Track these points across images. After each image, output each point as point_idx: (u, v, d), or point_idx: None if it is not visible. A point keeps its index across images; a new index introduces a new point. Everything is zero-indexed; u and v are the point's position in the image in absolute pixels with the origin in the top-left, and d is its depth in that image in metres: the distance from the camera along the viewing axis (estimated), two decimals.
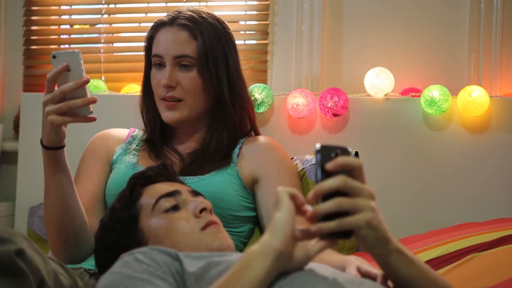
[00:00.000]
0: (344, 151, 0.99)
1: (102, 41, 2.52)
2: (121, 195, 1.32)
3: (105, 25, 2.52)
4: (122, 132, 1.80)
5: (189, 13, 1.68)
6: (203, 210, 1.26)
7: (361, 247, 1.02)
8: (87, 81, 1.41)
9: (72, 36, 2.61)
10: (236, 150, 1.69)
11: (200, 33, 1.66)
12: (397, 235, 1.03)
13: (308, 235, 0.99)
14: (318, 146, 0.99)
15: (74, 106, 1.41)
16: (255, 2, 2.38)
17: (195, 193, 1.32)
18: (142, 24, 2.50)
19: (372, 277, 1.15)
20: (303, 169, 1.83)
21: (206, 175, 1.63)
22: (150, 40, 1.71)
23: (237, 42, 1.76)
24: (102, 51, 2.51)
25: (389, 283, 1.08)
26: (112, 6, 2.52)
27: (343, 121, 2.09)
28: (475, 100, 1.96)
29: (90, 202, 1.62)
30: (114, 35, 2.56)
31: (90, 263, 1.51)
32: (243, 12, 2.40)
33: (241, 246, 1.65)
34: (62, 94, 1.41)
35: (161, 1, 2.46)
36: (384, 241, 1.00)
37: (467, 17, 2.16)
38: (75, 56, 1.41)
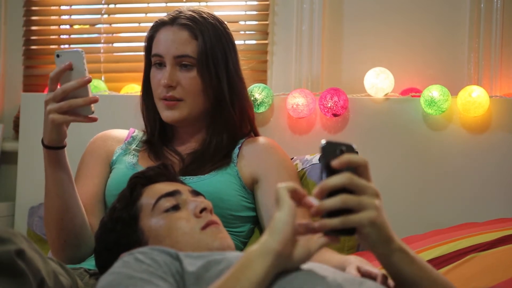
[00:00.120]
0: (349, 148, 0.99)
1: (102, 41, 2.52)
2: (121, 195, 1.32)
3: (105, 25, 2.52)
4: (121, 133, 1.80)
5: (190, 13, 1.68)
6: (203, 210, 1.26)
7: (363, 245, 1.02)
8: (89, 81, 1.42)
9: (72, 36, 2.61)
10: (236, 150, 1.69)
11: (201, 33, 1.66)
12: (397, 235, 1.03)
13: (309, 229, 1.00)
14: (323, 142, 0.98)
15: (75, 105, 1.41)
16: (255, 2, 2.38)
17: (196, 193, 1.32)
18: (142, 24, 2.50)
19: (372, 277, 1.15)
20: (303, 169, 1.83)
21: (206, 175, 1.63)
22: (150, 40, 1.71)
23: (237, 42, 1.76)
24: (102, 51, 2.50)
25: (390, 282, 1.08)
26: (112, 6, 2.52)
27: (343, 121, 2.09)
28: (475, 100, 1.96)
29: (90, 202, 1.62)
30: (114, 35, 2.56)
31: (90, 263, 1.51)
32: (243, 12, 2.40)
33: (241, 246, 1.65)
34: (64, 93, 1.41)
35: (161, 1, 2.46)
36: (387, 240, 1.00)
37: (467, 17, 2.16)
38: (79, 55, 1.42)
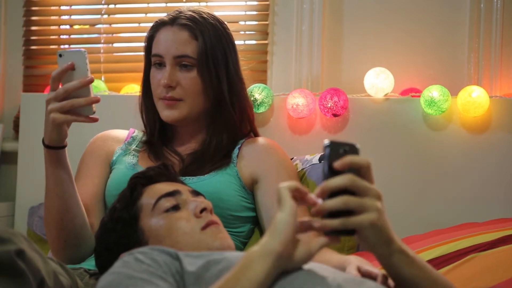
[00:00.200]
0: (353, 148, 0.99)
1: (102, 41, 2.52)
2: (121, 195, 1.32)
3: (105, 25, 2.52)
4: (121, 133, 1.80)
5: (190, 13, 1.68)
6: (203, 210, 1.26)
7: (363, 246, 1.02)
8: (91, 81, 1.42)
9: (72, 36, 2.61)
10: (236, 151, 1.69)
11: (201, 33, 1.66)
12: (397, 235, 1.03)
13: (309, 227, 1.00)
14: (326, 142, 0.98)
15: (77, 105, 1.41)
16: (255, 2, 2.37)
17: (196, 193, 1.32)
18: (142, 24, 2.50)
19: (373, 277, 1.15)
20: (303, 169, 1.83)
21: (205, 175, 1.63)
22: (150, 40, 1.71)
23: (237, 42, 1.76)
24: (102, 51, 2.50)
25: (390, 282, 1.08)
26: (112, 6, 2.51)
27: (343, 121, 2.09)
28: (475, 100, 1.96)
29: (90, 202, 1.62)
30: (114, 35, 2.56)
31: (90, 263, 1.51)
32: (243, 12, 2.40)
33: (241, 246, 1.65)
34: (66, 93, 1.41)
35: (161, 1, 2.46)
36: (387, 242, 1.00)
37: (467, 17, 2.16)
38: (81, 55, 1.42)
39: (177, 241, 1.21)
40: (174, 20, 1.67)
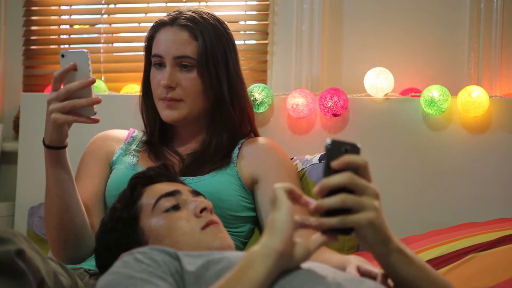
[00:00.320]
0: (354, 148, 1.00)
1: (102, 41, 2.52)
2: (122, 195, 1.32)
3: (105, 25, 2.52)
4: (121, 133, 1.80)
5: (190, 13, 1.68)
6: (203, 209, 1.26)
7: (361, 246, 1.02)
8: (93, 81, 1.42)
9: (72, 36, 2.61)
10: (236, 151, 1.69)
11: (201, 33, 1.66)
12: (397, 235, 1.03)
13: (306, 225, 1.00)
14: (328, 140, 0.99)
15: (78, 105, 1.42)
16: (255, 2, 2.37)
17: (196, 193, 1.32)
18: (142, 24, 2.50)
19: (372, 277, 1.16)
20: (303, 169, 1.83)
21: (205, 175, 1.63)
22: (150, 40, 1.71)
23: (237, 42, 1.76)
24: (102, 51, 2.50)
25: (389, 282, 1.08)
26: (112, 6, 2.52)
27: (343, 121, 2.09)
28: (475, 100, 1.96)
29: (90, 202, 1.62)
30: (114, 35, 2.56)
31: (90, 263, 1.52)
32: (243, 12, 2.40)
33: (241, 246, 1.65)
34: (68, 93, 1.41)
35: (161, 1, 2.46)
36: (384, 241, 1.00)
37: (467, 17, 2.16)
38: (83, 55, 1.42)
39: (177, 241, 1.22)
40: (174, 21, 1.67)
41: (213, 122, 1.71)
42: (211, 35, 1.67)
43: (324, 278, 0.99)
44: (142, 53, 1.75)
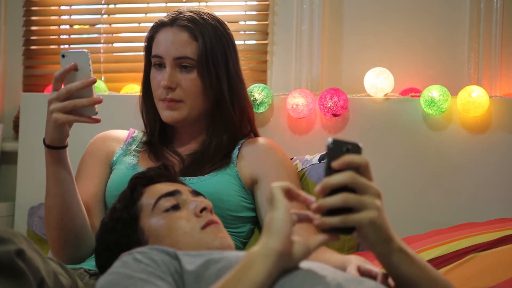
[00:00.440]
0: (355, 147, 1.00)
1: (102, 41, 2.52)
2: (122, 195, 1.32)
3: (105, 25, 2.52)
4: (122, 133, 1.80)
5: (190, 13, 1.68)
6: (203, 209, 1.26)
7: (363, 245, 1.02)
8: (94, 81, 1.42)
9: (72, 36, 2.61)
10: (236, 151, 1.69)
11: (201, 34, 1.65)
12: (397, 235, 1.03)
13: (304, 219, 1.00)
14: (330, 140, 0.99)
15: (79, 105, 1.42)
16: (255, 2, 2.37)
17: (196, 193, 1.33)
18: (142, 24, 2.50)
19: (373, 276, 1.15)
20: (302, 169, 1.83)
21: (205, 175, 1.63)
22: (150, 41, 1.71)
23: (237, 42, 1.76)
24: (102, 51, 2.50)
25: (390, 281, 1.08)
26: (112, 6, 2.52)
27: (343, 121, 2.09)
28: (475, 100, 1.96)
29: (90, 202, 1.62)
30: (114, 35, 2.56)
31: (90, 263, 1.52)
32: (243, 12, 2.40)
33: (241, 246, 1.65)
34: (68, 93, 1.41)
35: (161, 1, 2.46)
36: (386, 240, 1.00)
37: (467, 17, 2.16)
38: (84, 56, 1.43)
39: (177, 240, 1.22)
40: (174, 21, 1.67)
41: (213, 122, 1.71)
42: (211, 36, 1.67)
43: (324, 278, 0.99)
44: (142, 53, 1.75)
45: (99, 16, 2.52)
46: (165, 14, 1.73)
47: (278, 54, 2.34)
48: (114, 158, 1.72)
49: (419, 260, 1.04)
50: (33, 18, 2.56)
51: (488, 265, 1.47)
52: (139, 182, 1.32)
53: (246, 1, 2.40)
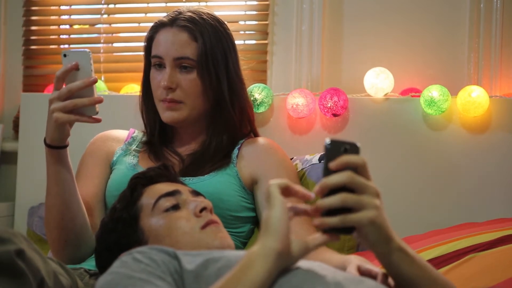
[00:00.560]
0: (353, 147, 1.00)
1: (102, 41, 2.52)
2: (122, 195, 1.32)
3: (104, 25, 2.52)
4: (122, 133, 1.80)
5: (189, 14, 1.68)
6: (203, 209, 1.26)
7: (363, 245, 1.02)
8: (95, 81, 1.42)
9: (72, 36, 2.61)
10: (235, 151, 1.69)
11: (201, 34, 1.65)
12: (397, 235, 1.03)
13: (299, 212, 1.00)
14: (328, 140, 0.99)
15: (80, 105, 1.42)
16: (255, 2, 2.37)
17: (196, 193, 1.33)
18: (142, 24, 2.50)
19: (373, 276, 1.15)
20: (302, 169, 1.83)
21: (205, 175, 1.63)
22: (150, 41, 1.71)
23: (237, 42, 1.76)
24: (101, 51, 2.50)
25: (390, 281, 1.08)
26: (112, 6, 2.52)
27: (343, 121, 2.09)
28: (474, 100, 1.96)
29: (90, 202, 1.62)
30: (114, 35, 2.56)
31: (90, 264, 1.51)
32: (243, 12, 2.40)
33: (241, 246, 1.65)
34: (69, 93, 1.42)
35: (161, 1, 2.46)
36: (386, 239, 1.00)
37: (467, 17, 2.16)
38: (85, 55, 1.43)
39: (177, 240, 1.22)
40: (173, 21, 1.67)
41: (213, 122, 1.71)
42: (210, 36, 1.66)
43: (324, 278, 0.99)
44: (142, 53, 1.75)
45: (99, 16, 2.52)
46: (165, 14, 1.73)
47: (278, 54, 2.34)
48: (114, 158, 1.72)
49: (419, 259, 1.04)
50: (33, 18, 2.56)
51: (488, 265, 1.47)
52: (139, 182, 1.32)
53: (246, 1, 2.40)
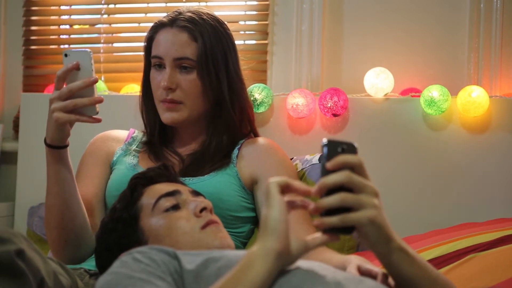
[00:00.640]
0: (351, 147, 0.99)
1: (102, 41, 2.52)
2: (122, 196, 1.32)
3: (104, 25, 2.52)
4: (122, 133, 1.80)
5: (189, 14, 1.68)
6: (203, 209, 1.26)
7: (363, 244, 1.02)
8: (96, 81, 1.42)
9: (72, 36, 2.61)
10: (235, 151, 1.69)
11: (200, 35, 1.65)
12: (397, 234, 1.03)
13: (297, 205, 1.00)
14: (324, 140, 0.99)
15: (80, 105, 1.42)
16: (255, 2, 2.37)
17: (196, 193, 1.33)
18: (142, 24, 2.50)
19: (373, 276, 1.15)
20: (302, 169, 1.83)
21: (205, 175, 1.63)
22: (149, 41, 1.71)
23: (237, 42, 1.76)
24: (102, 51, 2.50)
25: (390, 281, 1.08)
26: (112, 6, 2.52)
27: (343, 121, 2.09)
28: (474, 100, 1.96)
29: (90, 202, 1.62)
30: (114, 35, 2.56)
31: (90, 264, 1.52)
32: (243, 12, 2.40)
33: (241, 246, 1.65)
34: (70, 92, 1.42)
35: (161, 1, 2.46)
36: (386, 239, 1.00)
37: (467, 17, 2.16)
38: (86, 55, 1.43)
39: (177, 240, 1.22)
40: (173, 22, 1.67)
41: (213, 122, 1.71)
42: (210, 36, 1.66)
43: (324, 277, 0.99)
44: (142, 53, 1.75)
45: (99, 16, 2.52)
46: (165, 14, 1.73)
47: (278, 54, 2.34)
48: (114, 158, 1.72)
49: (420, 259, 1.04)
50: (33, 18, 2.56)
51: (488, 265, 1.47)
52: (139, 182, 1.32)
53: (246, 1, 2.40)
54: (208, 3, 2.41)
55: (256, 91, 2.08)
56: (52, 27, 2.58)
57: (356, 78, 2.18)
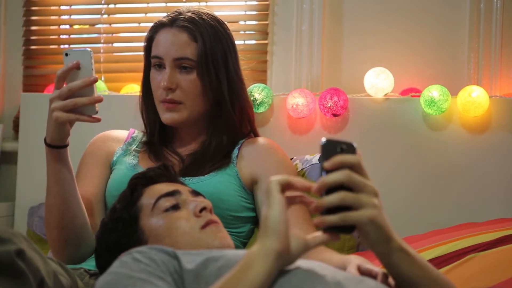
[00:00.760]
0: (350, 147, 1.00)
1: (102, 41, 2.52)
2: (122, 196, 1.32)
3: (104, 25, 2.52)
4: (122, 133, 1.80)
5: (189, 14, 1.68)
6: (203, 209, 1.26)
7: (363, 244, 1.02)
8: (95, 80, 1.43)
9: (72, 36, 2.61)
10: (235, 151, 1.69)
11: (200, 35, 1.65)
12: (397, 234, 1.03)
13: (296, 201, 1.00)
14: (323, 140, 0.99)
15: (80, 104, 1.42)
16: (255, 2, 2.38)
17: (196, 193, 1.33)
18: (142, 24, 2.50)
19: (373, 276, 1.15)
20: (302, 169, 1.83)
21: (205, 175, 1.63)
22: (149, 41, 1.71)
23: (237, 42, 1.76)
24: (101, 51, 2.51)
25: (390, 281, 1.08)
26: (112, 6, 2.52)
27: (343, 121, 2.09)
28: (474, 100, 1.97)
29: (90, 202, 1.62)
30: (114, 35, 2.56)
31: (90, 264, 1.51)
32: (243, 12, 2.40)
33: (241, 246, 1.65)
34: (70, 92, 1.42)
35: (161, 1, 2.46)
36: (386, 239, 1.00)
37: (467, 17, 2.16)
38: (87, 54, 1.43)
39: (177, 240, 1.22)
40: (173, 22, 1.67)
41: (213, 122, 1.71)
42: (210, 36, 1.66)
43: (324, 277, 0.99)
44: (142, 53, 1.75)
45: (99, 16, 2.52)
46: (165, 14, 1.73)
47: (278, 54, 2.34)
48: (114, 158, 1.72)
49: (420, 259, 1.04)
50: (33, 18, 2.56)
51: (488, 265, 1.47)
52: (139, 182, 1.32)
53: (246, 1, 2.40)
54: (208, 3, 2.41)
55: (256, 91, 2.08)
56: (52, 27, 2.58)
57: (356, 78, 2.18)
